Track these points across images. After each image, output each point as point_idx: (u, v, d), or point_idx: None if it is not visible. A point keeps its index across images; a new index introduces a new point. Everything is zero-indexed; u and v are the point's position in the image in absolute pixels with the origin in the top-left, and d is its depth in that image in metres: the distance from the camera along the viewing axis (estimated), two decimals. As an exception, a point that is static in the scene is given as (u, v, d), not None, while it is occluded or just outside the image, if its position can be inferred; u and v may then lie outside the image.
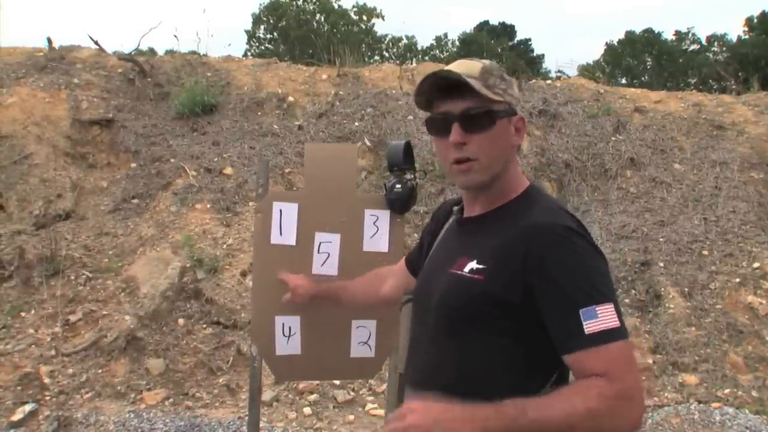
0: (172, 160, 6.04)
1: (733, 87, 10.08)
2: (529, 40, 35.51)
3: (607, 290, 1.18)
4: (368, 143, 6.40)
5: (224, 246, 5.27)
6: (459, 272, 1.29)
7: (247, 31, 31.10)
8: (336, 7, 30.89)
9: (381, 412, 4.10)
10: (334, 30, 28.09)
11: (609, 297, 1.17)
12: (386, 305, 1.90)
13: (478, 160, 1.30)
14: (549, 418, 1.05)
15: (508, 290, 1.21)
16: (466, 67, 1.30)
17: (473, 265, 1.27)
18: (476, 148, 1.29)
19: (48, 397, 4.08)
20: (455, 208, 1.48)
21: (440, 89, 1.30)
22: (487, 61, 1.35)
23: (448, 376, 1.29)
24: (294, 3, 30.66)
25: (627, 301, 5.16)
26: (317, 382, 4.33)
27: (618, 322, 1.14)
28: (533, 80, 8.62)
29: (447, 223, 1.51)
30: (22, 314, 4.62)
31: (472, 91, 1.25)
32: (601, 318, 1.13)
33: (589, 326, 1.13)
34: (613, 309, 1.15)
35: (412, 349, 1.44)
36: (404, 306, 1.57)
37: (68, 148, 6.06)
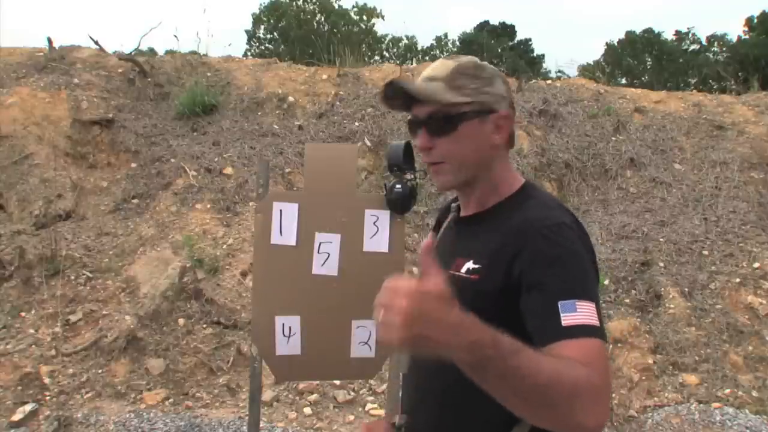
0: (172, 160, 6.04)
1: (734, 87, 10.09)
2: (530, 40, 35.51)
3: (590, 289, 1.16)
4: (368, 143, 6.40)
5: (224, 246, 5.27)
6: (456, 273, 1.29)
7: (247, 31, 31.15)
8: (336, 7, 30.92)
9: (381, 412, 4.10)
10: (335, 30, 28.09)
11: (590, 296, 1.14)
12: None
13: (446, 163, 1.31)
14: (537, 373, 0.96)
15: (503, 288, 1.21)
16: (439, 69, 1.30)
17: (470, 265, 1.27)
18: (442, 151, 1.30)
19: (48, 397, 4.08)
20: (453, 206, 1.48)
21: (404, 95, 1.31)
22: (464, 59, 1.33)
23: (446, 377, 1.29)
24: (294, 3, 30.68)
25: (627, 301, 5.16)
26: (317, 382, 4.33)
27: (597, 322, 1.11)
28: (533, 80, 8.62)
29: (446, 222, 1.51)
30: (23, 314, 4.62)
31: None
32: (580, 313, 1.10)
33: (567, 319, 1.10)
34: (594, 309, 1.12)
35: None
36: None
37: (68, 148, 6.06)
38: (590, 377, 1.01)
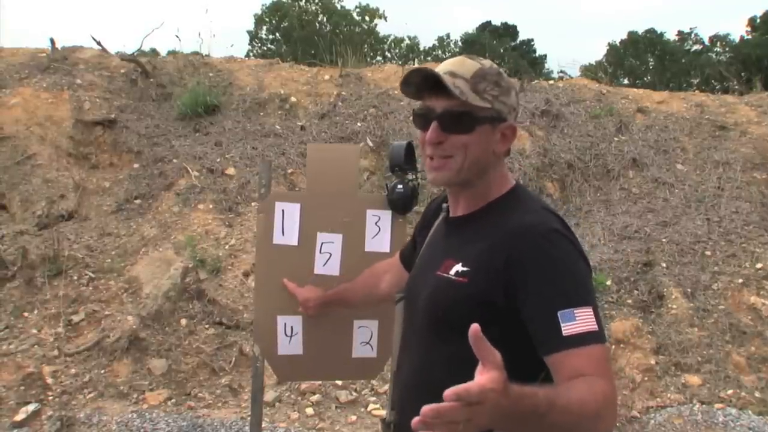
0: (174, 161, 6.04)
1: (736, 87, 10.08)
2: (532, 40, 35.53)
3: (586, 294, 1.20)
4: (370, 144, 6.40)
5: (227, 246, 5.28)
6: (445, 275, 1.30)
7: (249, 32, 31.21)
8: (338, 7, 30.94)
9: (383, 412, 4.10)
10: (337, 30, 28.12)
11: (588, 301, 1.18)
12: (385, 302, 1.91)
13: (453, 159, 1.30)
14: (567, 413, 1.04)
15: (492, 292, 1.22)
16: (461, 66, 1.29)
17: (458, 267, 1.28)
18: (451, 148, 1.29)
19: (51, 397, 4.09)
20: (444, 206, 1.48)
21: (429, 83, 1.30)
22: (488, 63, 1.33)
23: (434, 377, 1.30)
24: (296, 4, 30.70)
25: (629, 301, 5.16)
26: (319, 382, 4.33)
27: (596, 326, 1.16)
28: (536, 81, 8.62)
29: (436, 222, 1.51)
30: (25, 314, 4.63)
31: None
32: (578, 321, 1.14)
33: (567, 328, 1.14)
34: (592, 313, 1.16)
35: (403, 348, 1.46)
36: (398, 304, 1.59)
37: (71, 149, 6.06)
38: (605, 394, 1.09)
